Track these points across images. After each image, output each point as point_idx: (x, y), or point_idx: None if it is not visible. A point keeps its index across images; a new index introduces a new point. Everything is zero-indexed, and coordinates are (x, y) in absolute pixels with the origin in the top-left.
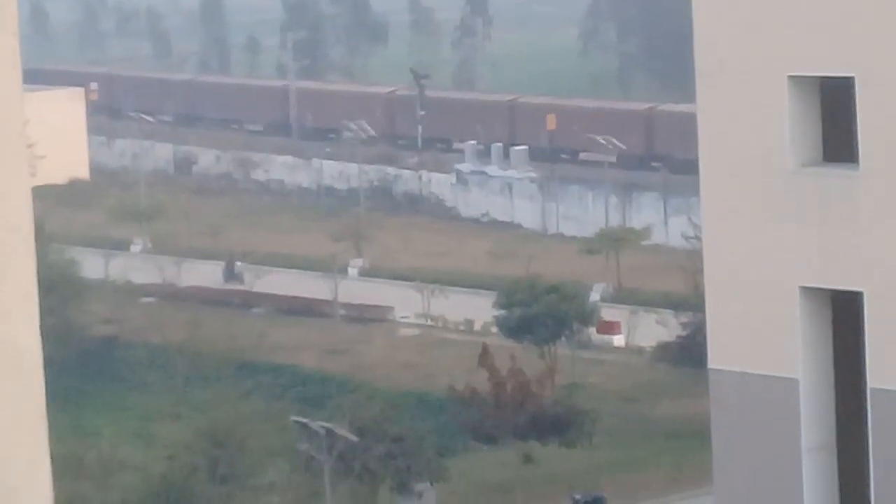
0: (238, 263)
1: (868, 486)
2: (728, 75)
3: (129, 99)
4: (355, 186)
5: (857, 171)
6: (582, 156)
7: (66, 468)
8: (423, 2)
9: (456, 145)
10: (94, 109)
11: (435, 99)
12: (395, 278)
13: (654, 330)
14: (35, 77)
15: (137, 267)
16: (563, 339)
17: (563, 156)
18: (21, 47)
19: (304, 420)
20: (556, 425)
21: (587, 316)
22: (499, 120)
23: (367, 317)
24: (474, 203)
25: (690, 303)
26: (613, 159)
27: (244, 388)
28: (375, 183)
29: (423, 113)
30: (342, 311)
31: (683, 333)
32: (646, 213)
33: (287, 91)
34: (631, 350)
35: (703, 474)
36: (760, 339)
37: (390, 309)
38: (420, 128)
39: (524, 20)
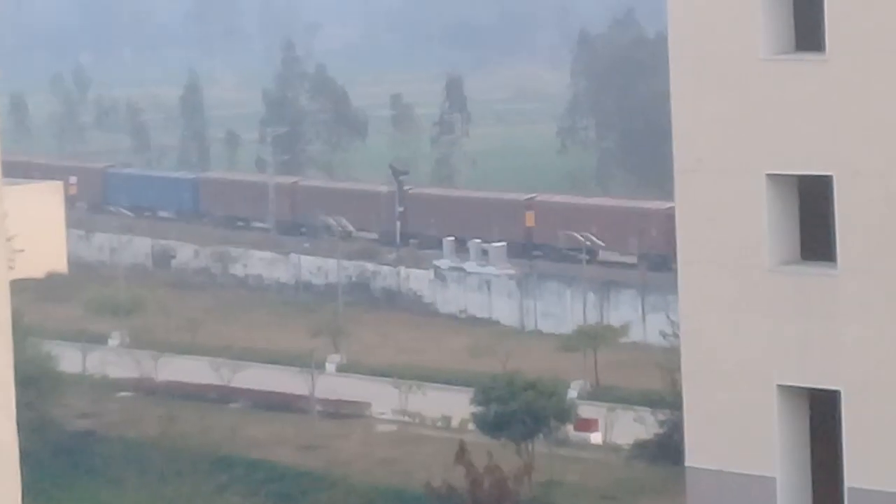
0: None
1: None
2: (707, 172)
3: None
4: (333, 282)
5: (834, 270)
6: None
7: None
8: (404, 98)
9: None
10: (72, 203)
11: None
12: (373, 374)
13: (631, 427)
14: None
15: (114, 361)
16: (540, 436)
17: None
18: (0, 140)
19: None
20: None
21: (565, 413)
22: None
23: (344, 412)
24: (452, 299)
25: (668, 400)
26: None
27: (219, 483)
28: (353, 278)
29: (401, 209)
30: (319, 407)
31: (661, 431)
32: (624, 310)
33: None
34: (608, 447)
35: None
36: (738, 438)
37: (367, 405)
38: (399, 224)
39: (503, 116)
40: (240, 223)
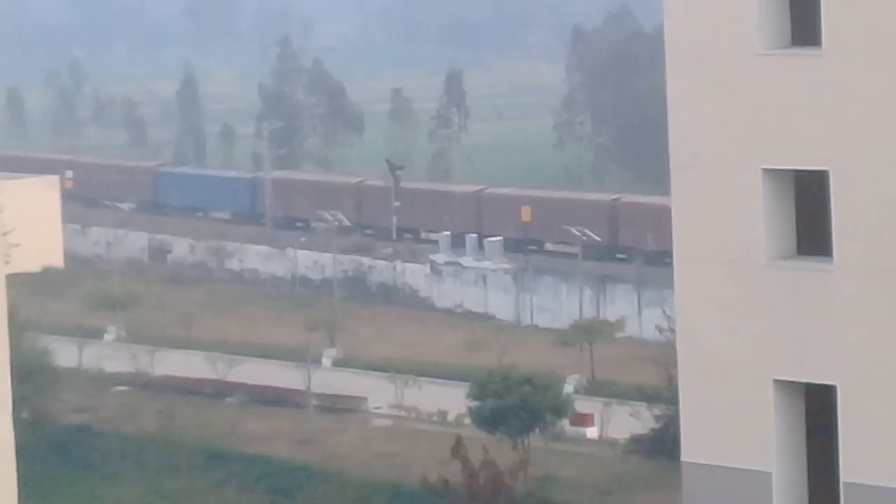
0: None
1: None
2: (702, 167)
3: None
4: (329, 276)
5: (830, 265)
6: (548, 246)
7: None
8: (405, 92)
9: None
10: (68, 197)
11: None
12: (369, 368)
13: (627, 422)
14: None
15: (110, 356)
16: (536, 430)
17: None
18: None
19: None
20: None
21: (561, 408)
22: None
23: (340, 407)
24: (448, 294)
25: (664, 395)
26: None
27: (216, 478)
28: (350, 273)
29: (397, 203)
30: (315, 402)
31: (657, 426)
32: (619, 305)
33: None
34: (604, 442)
35: None
36: (734, 432)
37: (363, 399)
38: (395, 218)
39: (500, 111)
40: (299, 224)
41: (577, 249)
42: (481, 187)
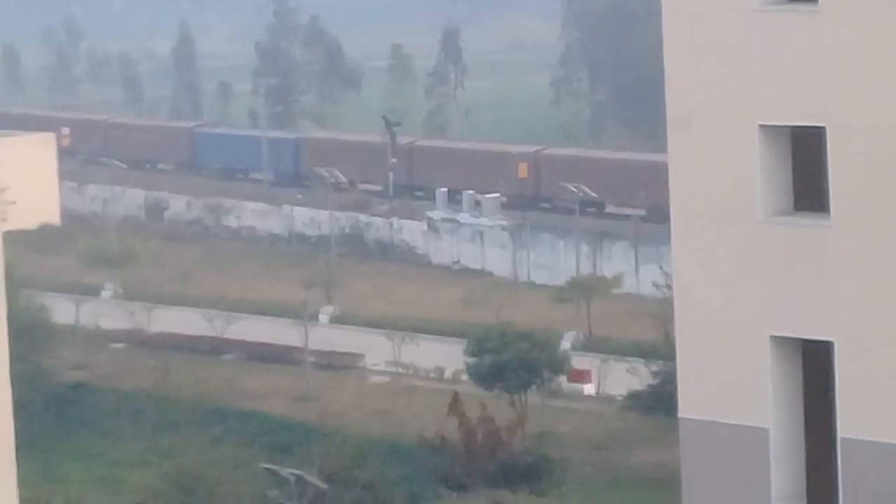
0: None
1: None
2: (699, 124)
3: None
4: (326, 233)
5: (827, 221)
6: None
7: None
8: (405, 48)
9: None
10: (65, 154)
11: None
12: (366, 325)
13: (624, 378)
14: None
15: (107, 313)
16: (533, 387)
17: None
18: None
19: (274, 467)
20: (527, 474)
21: (558, 364)
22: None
23: (338, 364)
24: (445, 251)
25: (661, 351)
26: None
27: (213, 434)
28: (347, 230)
29: (394, 160)
30: (312, 358)
31: (654, 382)
32: (617, 261)
33: None
34: (601, 398)
35: None
36: (730, 388)
37: (361, 356)
38: (391, 175)
39: (497, 68)
40: (343, 186)
41: (641, 212)
42: (539, 148)
